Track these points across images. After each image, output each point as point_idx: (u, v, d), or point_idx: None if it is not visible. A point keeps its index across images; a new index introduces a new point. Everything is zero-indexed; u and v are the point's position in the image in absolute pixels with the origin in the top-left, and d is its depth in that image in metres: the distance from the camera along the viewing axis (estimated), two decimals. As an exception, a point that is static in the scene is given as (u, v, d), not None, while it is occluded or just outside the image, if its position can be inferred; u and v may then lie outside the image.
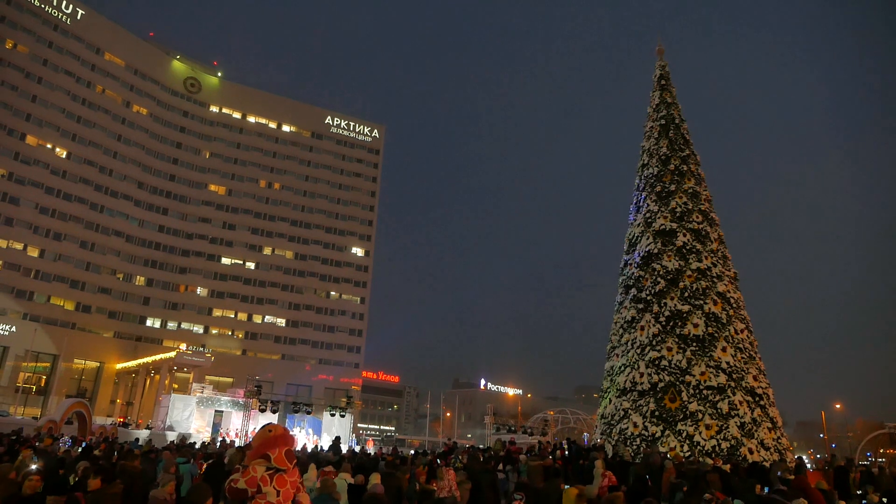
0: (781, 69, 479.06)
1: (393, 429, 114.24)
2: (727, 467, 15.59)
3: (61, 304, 67.54)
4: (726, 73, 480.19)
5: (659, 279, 25.20)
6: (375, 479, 10.62)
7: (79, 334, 66.88)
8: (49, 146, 68.95)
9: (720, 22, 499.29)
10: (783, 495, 9.37)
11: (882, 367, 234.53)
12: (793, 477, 12.70)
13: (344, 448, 25.27)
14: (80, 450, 18.25)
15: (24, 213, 65.16)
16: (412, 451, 27.09)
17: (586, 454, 17.78)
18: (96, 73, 74.72)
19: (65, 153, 70.21)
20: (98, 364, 68.58)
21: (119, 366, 67.68)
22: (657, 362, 23.77)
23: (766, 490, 13.34)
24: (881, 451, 70.44)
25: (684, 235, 25.60)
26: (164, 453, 14.29)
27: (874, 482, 15.62)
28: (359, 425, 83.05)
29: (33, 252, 65.85)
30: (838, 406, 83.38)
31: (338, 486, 9.37)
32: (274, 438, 5.76)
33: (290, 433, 5.97)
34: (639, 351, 24.71)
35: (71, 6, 72.86)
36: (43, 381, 63.55)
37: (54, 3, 71.24)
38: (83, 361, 67.74)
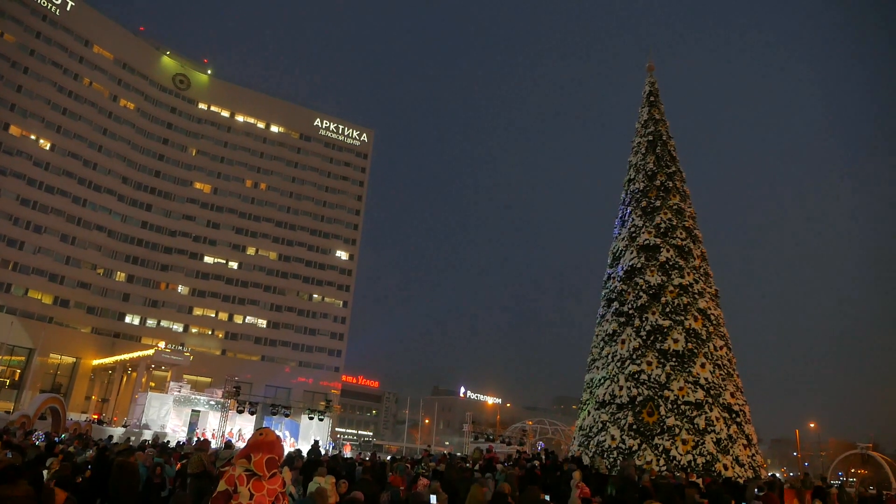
0: (776, 82, 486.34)
1: (371, 434, 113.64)
2: (701, 482, 15.75)
3: (39, 297, 66.52)
4: (715, 88, 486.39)
5: (641, 294, 25.47)
6: (330, 481, 10.52)
7: (56, 329, 65.89)
8: (33, 137, 68.06)
9: (711, 35, 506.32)
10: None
11: (856, 387, 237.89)
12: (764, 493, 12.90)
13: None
14: (50, 444, 17.98)
15: (4, 205, 64.16)
16: (389, 457, 27.03)
17: (562, 465, 17.87)
18: (84, 65, 73.96)
19: (48, 145, 69.33)
20: (74, 359, 67.54)
21: (96, 362, 66.72)
22: (636, 376, 23.99)
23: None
24: (852, 470, 71.41)
25: (668, 251, 25.91)
26: (138, 454, 14.02)
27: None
28: (337, 429, 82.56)
29: (12, 243, 64.86)
30: (812, 425, 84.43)
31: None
32: (259, 443, 5.76)
33: (281, 445, 5.88)
34: (619, 364, 24.93)
35: (61, -3, 72.21)
36: (17, 374, 62.47)
37: (44, -6, 70.53)
38: (59, 356, 66.67)
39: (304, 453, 21.93)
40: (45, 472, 11.01)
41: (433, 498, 10.91)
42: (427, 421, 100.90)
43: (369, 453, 26.36)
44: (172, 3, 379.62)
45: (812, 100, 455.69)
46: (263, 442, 5.76)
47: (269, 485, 5.56)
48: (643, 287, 25.53)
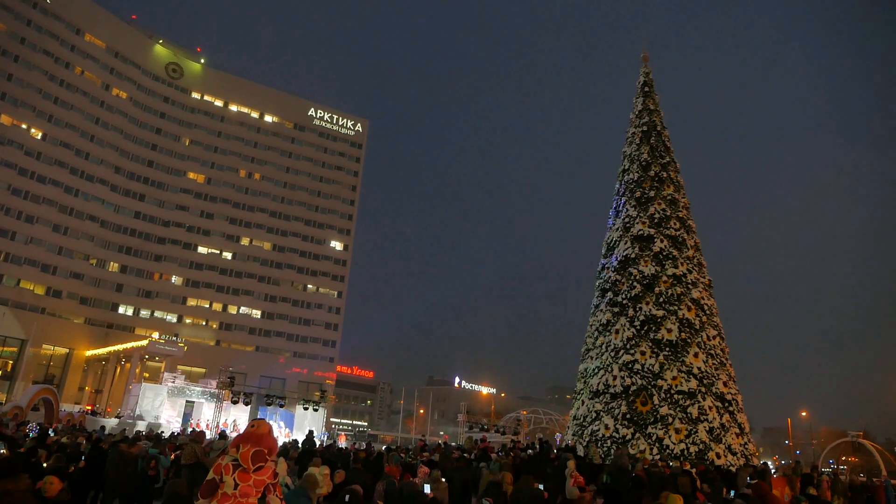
0: (772, 72, 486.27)
1: (366, 424, 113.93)
2: (695, 470, 15.86)
3: (31, 288, 66.14)
4: (711, 76, 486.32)
5: (635, 284, 25.53)
6: (323, 471, 10.50)
7: (48, 319, 65.56)
8: (24, 126, 67.43)
9: (706, 27, 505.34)
10: (746, 499, 9.62)
11: (847, 376, 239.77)
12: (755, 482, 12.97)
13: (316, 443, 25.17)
14: (42, 435, 17.94)
15: (-5, 194, 63.67)
16: (384, 447, 27.12)
17: (557, 454, 17.95)
18: (76, 53, 73.22)
19: (40, 134, 68.72)
20: (67, 350, 67.32)
21: (89, 353, 66.50)
22: (630, 366, 24.09)
23: (731, 493, 13.65)
24: (843, 458, 72.06)
25: (661, 241, 25.95)
26: (138, 445, 14.02)
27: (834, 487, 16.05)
28: (331, 420, 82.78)
29: (4, 234, 64.41)
30: (804, 413, 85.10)
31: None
32: (248, 435, 5.74)
33: (272, 438, 5.78)
34: (613, 354, 25.02)
35: (51, -16, 71.35)
36: (10, 365, 62.23)
37: (34, -19, 69.65)
38: (52, 347, 66.42)
39: (300, 444, 21.96)
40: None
41: (427, 487, 10.93)
42: (422, 411, 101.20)
43: (365, 443, 26.44)
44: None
45: (808, 92, 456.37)
46: (252, 434, 5.73)
47: (255, 476, 5.51)
48: (637, 277, 25.59)
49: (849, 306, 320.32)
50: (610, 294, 26.47)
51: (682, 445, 21.94)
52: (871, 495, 18.04)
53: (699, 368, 23.48)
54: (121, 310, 75.08)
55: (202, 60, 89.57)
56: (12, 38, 67.21)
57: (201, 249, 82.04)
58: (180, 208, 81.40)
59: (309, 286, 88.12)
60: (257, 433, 5.74)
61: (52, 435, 18.93)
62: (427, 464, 15.60)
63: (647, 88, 30.71)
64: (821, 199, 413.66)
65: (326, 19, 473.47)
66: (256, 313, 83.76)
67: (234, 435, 31.22)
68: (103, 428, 28.54)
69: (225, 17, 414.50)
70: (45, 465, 11.18)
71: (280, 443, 26.28)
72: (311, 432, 24.81)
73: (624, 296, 25.68)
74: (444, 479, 11.36)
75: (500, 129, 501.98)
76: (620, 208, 28.21)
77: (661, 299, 24.83)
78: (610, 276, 26.89)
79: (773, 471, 22.59)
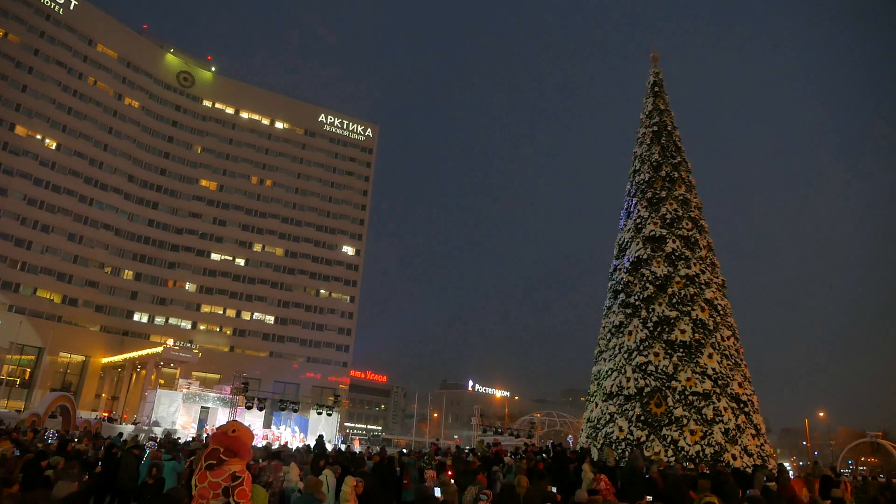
0: (778, 75, 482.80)
1: (380, 428, 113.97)
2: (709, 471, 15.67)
3: (48, 296, 66.95)
4: (721, 78, 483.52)
5: (647, 285, 25.32)
6: (350, 482, 10.30)
7: (65, 327, 66.31)
8: (38, 137, 68.35)
9: (716, 27, 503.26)
10: (768, 494, 9.46)
11: (865, 376, 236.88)
12: (773, 483, 12.81)
13: (329, 447, 25.23)
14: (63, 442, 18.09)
15: (11, 205, 64.54)
16: (399, 451, 27.08)
17: (571, 457, 17.84)
18: (88, 64, 74.17)
19: (54, 144, 69.62)
20: (84, 358, 68.01)
21: (105, 360, 67.15)
22: (644, 367, 23.88)
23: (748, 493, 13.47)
24: (862, 459, 71.14)
25: (674, 242, 25.72)
26: (152, 451, 14.15)
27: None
28: (346, 424, 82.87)
29: (20, 243, 65.21)
30: (822, 414, 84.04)
31: (323, 486, 9.33)
32: (213, 434, 5.64)
33: (234, 438, 5.45)
34: (626, 355, 24.82)
35: (64, -3, 72.35)
36: (27, 373, 62.97)
37: (47, -7, 70.64)
38: (69, 355, 67.16)
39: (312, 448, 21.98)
40: (51, 472, 11.02)
41: (438, 491, 10.90)
42: (436, 415, 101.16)
43: (378, 447, 26.42)
44: (176, 0, 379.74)
45: (816, 92, 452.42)
46: (215, 433, 5.63)
47: (211, 476, 5.25)
48: (649, 278, 25.38)
49: (865, 305, 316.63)
50: (622, 295, 26.27)
51: (698, 447, 21.71)
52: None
53: (713, 369, 23.23)
54: (136, 317, 75.78)
55: (213, 68, 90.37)
56: (26, 49, 68.22)
57: (214, 256, 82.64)
58: (193, 216, 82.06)
59: (321, 291, 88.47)
60: (215, 433, 5.61)
61: (74, 442, 19.09)
62: (439, 466, 15.56)
63: (657, 88, 30.47)
64: (836, 197, 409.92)
65: (336, 24, 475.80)
66: (270, 319, 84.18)
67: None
68: (120, 434, 28.74)
69: (235, 25, 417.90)
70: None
71: (293, 447, 26.33)
72: (321, 437, 24.83)
73: (636, 297, 25.48)
74: (453, 482, 11.32)
75: (512, 131, 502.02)
76: (632, 209, 28.00)
77: (675, 300, 24.60)
78: (622, 278, 26.69)
79: (789, 472, 22.27)
